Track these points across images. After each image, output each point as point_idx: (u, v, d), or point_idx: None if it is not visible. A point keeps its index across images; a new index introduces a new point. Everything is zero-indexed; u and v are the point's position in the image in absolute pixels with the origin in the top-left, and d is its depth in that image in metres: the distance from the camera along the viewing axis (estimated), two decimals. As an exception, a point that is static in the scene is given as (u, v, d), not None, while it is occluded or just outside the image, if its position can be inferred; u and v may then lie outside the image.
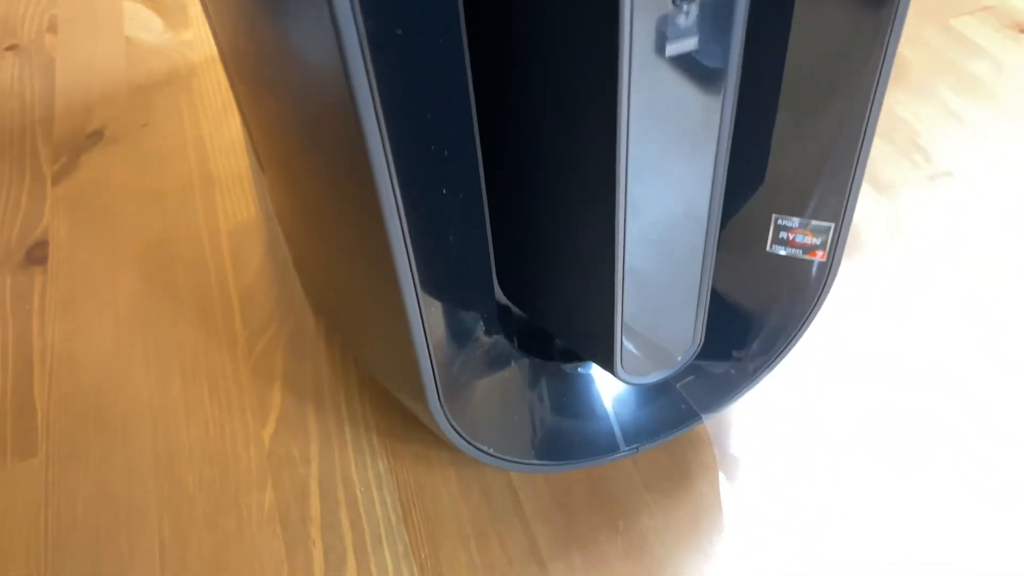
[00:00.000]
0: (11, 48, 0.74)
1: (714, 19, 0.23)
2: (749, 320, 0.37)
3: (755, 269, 0.35)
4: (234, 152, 0.61)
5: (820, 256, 0.35)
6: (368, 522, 0.40)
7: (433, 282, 0.29)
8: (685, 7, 0.22)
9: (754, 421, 0.42)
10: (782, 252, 0.35)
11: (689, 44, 0.23)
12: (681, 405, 0.38)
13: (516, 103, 0.28)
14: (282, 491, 0.41)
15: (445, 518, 0.40)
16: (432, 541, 0.39)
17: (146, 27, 0.75)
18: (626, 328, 0.30)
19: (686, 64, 0.24)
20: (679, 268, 0.29)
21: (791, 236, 0.34)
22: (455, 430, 0.33)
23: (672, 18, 0.22)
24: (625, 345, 0.31)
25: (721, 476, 0.40)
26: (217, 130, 0.63)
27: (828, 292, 0.36)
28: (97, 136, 0.63)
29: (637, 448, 0.37)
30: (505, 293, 0.35)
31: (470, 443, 0.34)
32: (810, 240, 0.34)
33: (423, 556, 0.38)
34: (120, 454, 0.44)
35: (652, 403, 0.38)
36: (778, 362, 0.38)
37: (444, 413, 0.32)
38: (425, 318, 0.29)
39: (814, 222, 0.34)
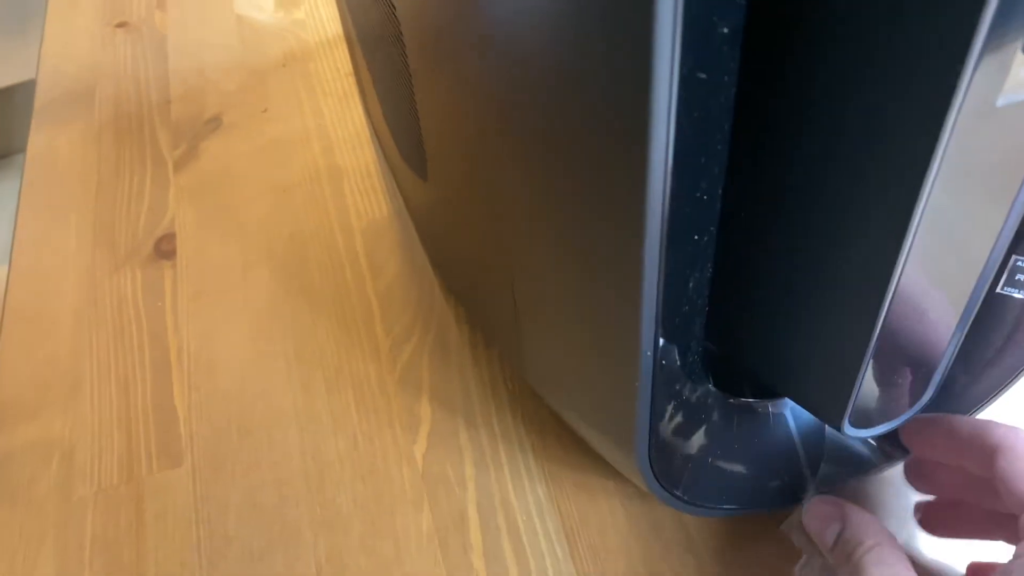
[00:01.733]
0: (121, 25, 0.72)
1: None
2: (966, 363, 0.34)
3: (981, 311, 0.32)
4: (359, 144, 0.59)
5: (1057, 301, 0.32)
6: (532, 554, 0.38)
7: (667, 326, 0.26)
8: (1032, 54, 0.20)
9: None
10: (1016, 295, 0.32)
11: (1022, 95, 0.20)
12: (879, 447, 0.36)
13: (777, 139, 0.25)
14: (439, 515, 0.40)
15: (614, 553, 0.38)
16: (603, 578, 0.37)
17: (257, 5, 0.73)
18: (864, 383, 0.28)
19: (1014, 113, 0.21)
20: (940, 322, 0.27)
21: (1029, 278, 0.31)
22: (658, 480, 0.31)
23: (1016, 64, 0.20)
24: (859, 401, 0.28)
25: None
26: (340, 119, 0.61)
27: (1057, 338, 0.33)
28: (216, 122, 0.62)
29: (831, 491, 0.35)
30: (709, 335, 0.32)
31: (670, 492, 0.32)
32: (1050, 284, 0.31)
33: (594, 593, 0.37)
34: (267, 466, 0.42)
35: (847, 446, 0.36)
36: (984, 408, 0.36)
37: (650, 461, 0.30)
38: (655, 362, 0.27)
39: (1056, 265, 0.31)
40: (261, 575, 0.39)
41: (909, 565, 0.30)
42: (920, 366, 0.28)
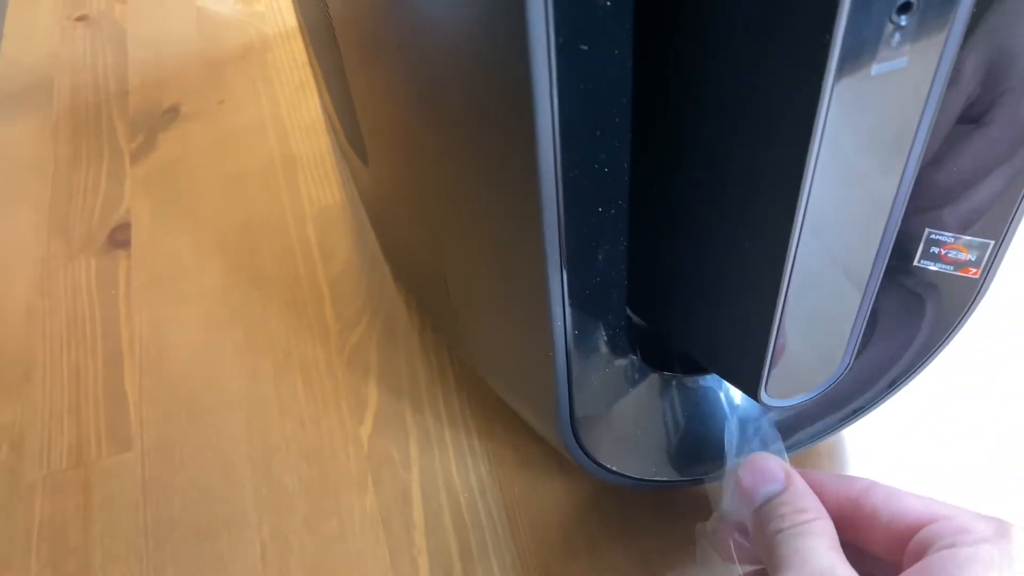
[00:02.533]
0: (81, 19, 0.72)
1: (927, 39, 0.21)
2: (884, 336, 0.35)
3: (898, 283, 0.33)
4: (314, 132, 0.59)
5: (972, 273, 0.32)
6: (474, 531, 0.39)
7: (578, 298, 0.27)
8: (902, 23, 0.20)
9: (874, 441, 0.40)
10: (932, 267, 0.33)
11: (898, 64, 0.21)
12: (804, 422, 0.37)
13: (676, 114, 0.26)
14: (383, 494, 0.40)
15: (553, 529, 0.38)
16: (540, 552, 0.38)
17: (217, -2, 0.73)
18: (776, 352, 0.28)
19: (890, 82, 0.22)
20: (844, 291, 0.27)
21: (943, 251, 0.32)
22: (583, 450, 0.32)
23: (886, 37, 0.20)
24: (773, 369, 0.29)
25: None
26: (295, 109, 0.61)
27: (974, 311, 0.34)
28: (173, 113, 0.62)
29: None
30: (631, 307, 0.33)
31: (595, 462, 0.32)
32: (964, 256, 0.32)
33: (531, 567, 0.37)
34: (214, 449, 0.43)
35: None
36: (907, 382, 0.37)
37: (573, 432, 0.31)
38: (568, 333, 0.27)
39: (970, 238, 0.31)
40: (206, 555, 0.39)
41: (843, 557, 0.27)
42: (829, 337, 0.29)
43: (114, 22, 0.72)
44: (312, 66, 0.59)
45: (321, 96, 0.58)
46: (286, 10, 0.70)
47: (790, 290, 0.26)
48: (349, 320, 0.47)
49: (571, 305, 0.26)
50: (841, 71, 0.20)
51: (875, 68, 0.21)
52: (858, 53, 0.20)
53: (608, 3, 0.21)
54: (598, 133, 0.23)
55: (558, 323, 0.27)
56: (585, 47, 0.21)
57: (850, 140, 0.22)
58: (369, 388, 0.44)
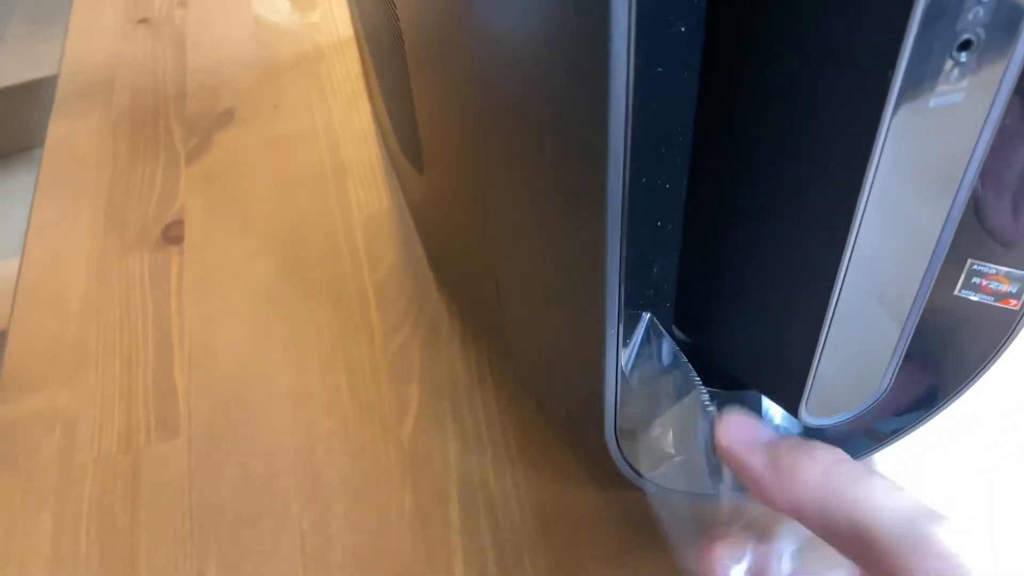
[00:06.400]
0: (143, 21, 0.75)
1: (985, 75, 0.22)
2: (923, 361, 0.36)
3: (938, 310, 0.34)
4: (364, 141, 0.61)
5: (1013, 305, 0.33)
6: (509, 533, 0.40)
7: (631, 311, 0.28)
8: (962, 59, 0.21)
9: (910, 465, 0.41)
10: (972, 297, 0.33)
11: (955, 98, 0.22)
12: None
13: (734, 136, 0.27)
14: (422, 493, 0.41)
15: (588, 536, 0.39)
16: (575, 558, 0.39)
17: (273, 7, 0.75)
18: (818, 371, 0.29)
19: (946, 115, 0.23)
20: (888, 316, 0.28)
21: (985, 282, 0.33)
22: (626, 461, 0.33)
23: (946, 72, 0.21)
24: (815, 387, 0.30)
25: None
26: (347, 118, 0.63)
27: (1012, 342, 0.35)
28: (228, 116, 0.64)
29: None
30: (676, 321, 0.34)
31: (637, 473, 0.33)
32: (1005, 288, 0.33)
33: (565, 572, 0.38)
34: (260, 440, 0.44)
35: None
36: (945, 407, 0.37)
37: (617, 444, 0.32)
38: (619, 345, 0.28)
39: (1011, 270, 0.32)
40: (249, 543, 0.40)
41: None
42: (870, 360, 0.30)
43: (174, 26, 0.74)
44: (366, 76, 0.60)
45: (374, 106, 0.60)
46: (340, 21, 0.72)
47: (836, 313, 0.27)
48: (393, 323, 0.49)
49: (626, 318, 0.27)
50: (900, 103, 0.22)
51: (933, 102, 0.22)
52: (918, 87, 0.21)
53: (683, 29, 0.22)
54: (663, 151, 0.24)
55: (611, 333, 0.28)
56: (660, 69, 0.22)
57: (904, 170, 0.24)
58: (411, 389, 0.46)
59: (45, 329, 0.51)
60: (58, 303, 0.52)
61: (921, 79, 0.21)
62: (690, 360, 0.36)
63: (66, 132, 0.65)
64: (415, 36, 0.35)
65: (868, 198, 0.24)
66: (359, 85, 0.66)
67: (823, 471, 0.28)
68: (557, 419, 0.40)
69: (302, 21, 0.73)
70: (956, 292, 0.34)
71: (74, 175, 0.61)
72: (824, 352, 0.29)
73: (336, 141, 0.61)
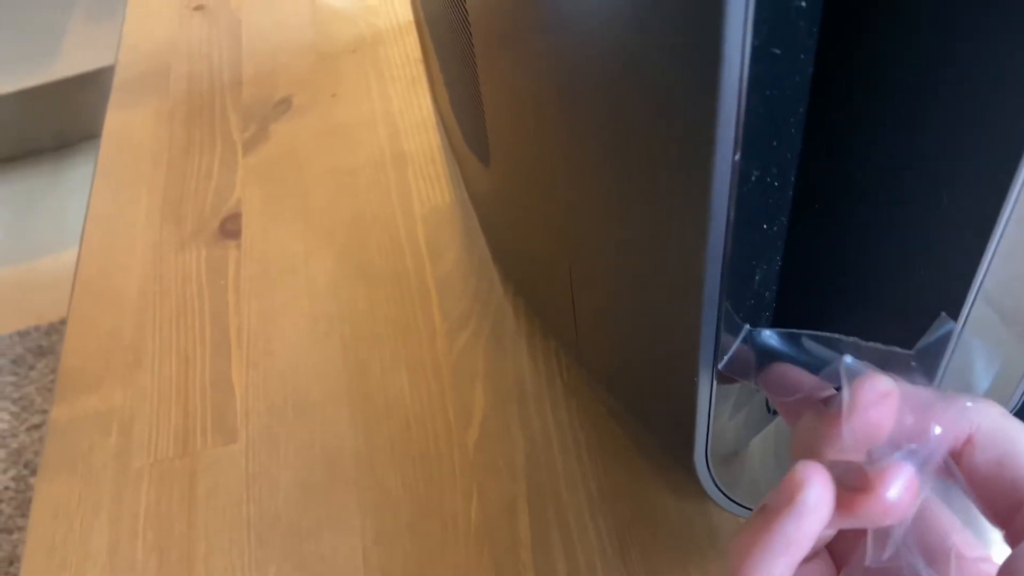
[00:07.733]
0: (199, 8, 0.73)
1: None
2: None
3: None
4: (425, 130, 0.58)
5: None
6: (583, 550, 0.37)
7: (731, 321, 0.25)
8: None
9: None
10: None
11: None
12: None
13: (847, 131, 0.24)
14: (488, 504, 0.39)
15: (665, 554, 0.37)
16: (653, 578, 0.36)
17: (330, -9, 0.73)
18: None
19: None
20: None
21: None
22: (714, 481, 0.30)
23: None
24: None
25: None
26: (407, 105, 0.60)
27: None
28: (285, 105, 0.62)
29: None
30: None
31: (724, 494, 0.31)
32: None
33: (643, 594, 0.36)
34: (319, 445, 0.42)
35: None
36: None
37: (707, 466, 0.29)
38: (716, 359, 0.25)
39: None
40: (309, 554, 0.38)
41: None
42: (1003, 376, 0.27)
43: (230, 12, 0.72)
44: (427, 63, 0.58)
45: (435, 95, 0.58)
46: (399, 4, 0.70)
47: (966, 325, 0.24)
48: (456, 321, 0.46)
49: (725, 329, 0.24)
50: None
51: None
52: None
53: (803, 3, 0.19)
54: (775, 143, 0.21)
55: (708, 345, 0.25)
56: (778, 51, 0.19)
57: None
58: (476, 392, 0.43)
59: (101, 324, 0.50)
60: (115, 297, 0.51)
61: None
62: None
63: (123, 121, 0.64)
64: (485, 20, 0.32)
65: (1007, 219, 0.21)
66: (419, 70, 0.63)
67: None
68: (634, 424, 0.37)
69: (360, 4, 0.71)
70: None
71: (131, 165, 0.60)
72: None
73: (396, 130, 0.59)
